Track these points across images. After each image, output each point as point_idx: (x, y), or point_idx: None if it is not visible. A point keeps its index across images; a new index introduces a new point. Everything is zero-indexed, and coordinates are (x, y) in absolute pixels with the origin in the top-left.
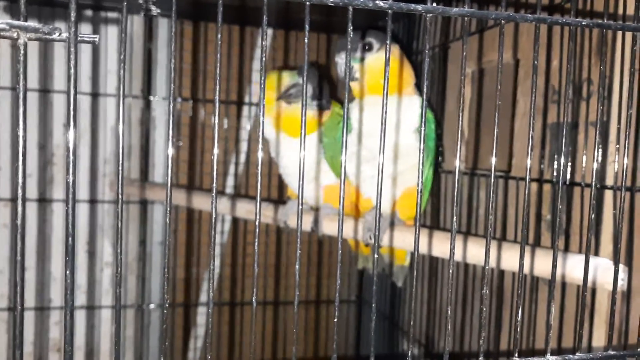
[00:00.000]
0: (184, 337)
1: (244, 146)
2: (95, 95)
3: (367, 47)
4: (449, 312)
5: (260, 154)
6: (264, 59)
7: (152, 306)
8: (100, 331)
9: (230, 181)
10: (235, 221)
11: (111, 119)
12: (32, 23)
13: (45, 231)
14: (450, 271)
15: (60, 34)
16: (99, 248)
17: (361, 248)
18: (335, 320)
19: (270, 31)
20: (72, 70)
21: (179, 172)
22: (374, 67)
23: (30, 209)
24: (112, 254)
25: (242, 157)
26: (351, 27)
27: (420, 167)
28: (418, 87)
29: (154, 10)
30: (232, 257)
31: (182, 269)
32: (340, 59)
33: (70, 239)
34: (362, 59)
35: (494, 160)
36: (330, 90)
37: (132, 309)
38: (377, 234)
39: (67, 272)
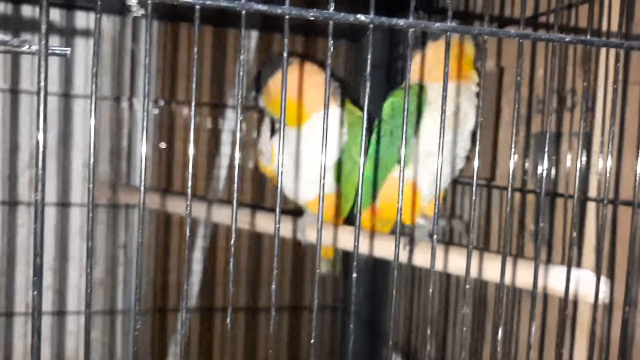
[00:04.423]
0: (162, 343)
1: (227, 149)
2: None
3: None
4: (431, 322)
5: (237, 157)
6: (242, 59)
7: (131, 311)
8: (74, 337)
9: (220, 185)
10: (216, 226)
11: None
12: (1, 35)
13: (11, 236)
14: (431, 287)
15: (30, 47)
16: (73, 252)
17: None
18: (314, 324)
19: (255, 33)
20: (43, 84)
21: (160, 174)
22: None
23: None
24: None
25: (225, 161)
26: (332, 41)
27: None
28: None
29: (135, 10)
30: (211, 262)
31: (162, 273)
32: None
33: (38, 244)
34: None
35: (476, 165)
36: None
37: (103, 315)
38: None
39: (35, 277)
